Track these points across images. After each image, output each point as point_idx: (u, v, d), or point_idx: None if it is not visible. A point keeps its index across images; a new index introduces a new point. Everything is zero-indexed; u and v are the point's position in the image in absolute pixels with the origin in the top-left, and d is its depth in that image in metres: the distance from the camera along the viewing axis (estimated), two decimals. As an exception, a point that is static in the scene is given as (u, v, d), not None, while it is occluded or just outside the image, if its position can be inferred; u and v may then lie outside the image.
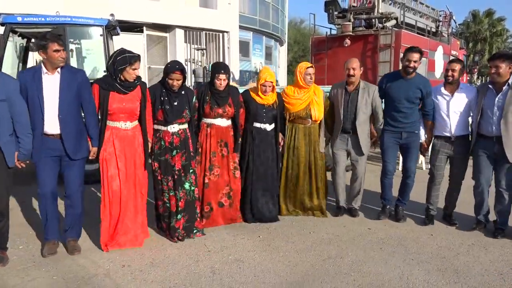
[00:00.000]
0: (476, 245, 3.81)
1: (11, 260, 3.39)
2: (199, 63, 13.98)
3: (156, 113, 3.69)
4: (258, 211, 4.28)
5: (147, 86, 3.73)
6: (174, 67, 3.66)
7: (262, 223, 4.28)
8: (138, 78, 3.60)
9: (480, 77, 25.01)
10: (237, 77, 14.93)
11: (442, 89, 4.23)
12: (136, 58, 3.48)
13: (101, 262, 3.39)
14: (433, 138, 4.33)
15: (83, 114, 3.50)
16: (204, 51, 14.26)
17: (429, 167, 4.45)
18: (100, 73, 5.93)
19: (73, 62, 6.28)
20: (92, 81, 3.57)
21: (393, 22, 9.62)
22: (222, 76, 3.93)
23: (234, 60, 15.76)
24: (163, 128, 3.75)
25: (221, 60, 15.48)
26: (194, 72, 11.70)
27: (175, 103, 3.72)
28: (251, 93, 4.25)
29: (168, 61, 15.06)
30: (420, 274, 3.24)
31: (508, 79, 3.81)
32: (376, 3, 9.57)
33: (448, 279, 3.16)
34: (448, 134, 4.19)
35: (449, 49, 11.20)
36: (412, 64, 4.17)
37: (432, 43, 10.39)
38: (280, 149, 4.40)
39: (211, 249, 3.69)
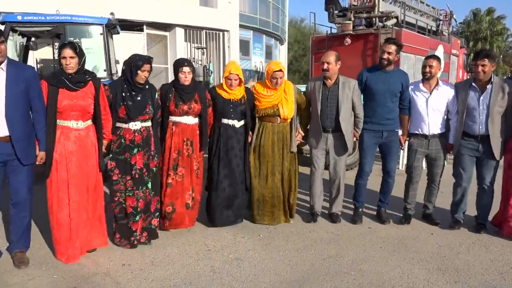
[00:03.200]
0: (476, 244, 3.81)
1: (11, 259, 3.38)
2: (199, 62, 13.97)
3: (118, 111, 3.50)
4: (223, 213, 4.10)
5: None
6: (144, 58, 3.54)
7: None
8: (90, 73, 3.42)
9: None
10: (237, 76, 14.91)
11: (421, 85, 4.15)
12: (65, 45, 3.25)
13: (101, 261, 3.39)
14: (409, 136, 4.27)
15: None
16: (205, 50, 14.24)
17: (405, 166, 4.40)
18: (101, 72, 5.93)
19: (73, 61, 6.26)
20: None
21: (394, 21, 9.59)
22: (186, 69, 3.79)
23: (234, 59, 15.75)
24: (124, 125, 3.55)
25: (221, 59, 15.49)
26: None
27: (138, 98, 3.54)
28: (217, 89, 4.09)
29: (168, 60, 15.02)
30: (420, 273, 3.24)
31: (491, 77, 3.82)
32: (376, 2, 9.53)
33: (448, 278, 3.16)
34: (425, 132, 4.13)
35: (450, 48, 11.17)
36: (385, 56, 4.08)
37: (432, 42, 10.36)
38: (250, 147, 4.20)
39: (211, 248, 3.69)
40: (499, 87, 3.80)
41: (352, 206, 4.53)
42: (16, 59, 6.42)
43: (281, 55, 22.70)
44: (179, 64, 3.85)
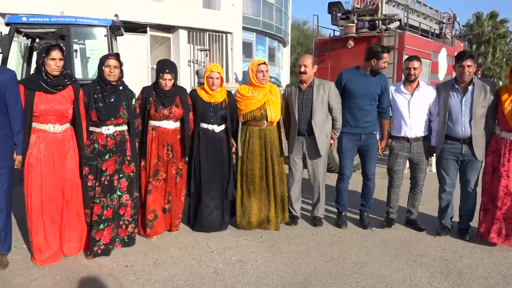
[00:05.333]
0: (479, 247, 3.79)
1: (14, 259, 3.40)
2: (203, 64, 14.00)
3: (90, 114, 3.41)
4: (205, 219, 4.02)
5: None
6: (108, 55, 3.50)
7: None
8: (70, 77, 3.37)
9: (483, 79, 24.88)
10: (240, 78, 14.93)
11: (402, 87, 4.10)
12: (54, 47, 3.21)
13: (104, 262, 3.40)
14: (391, 140, 4.20)
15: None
16: (208, 52, 14.27)
17: (388, 169, 4.31)
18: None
19: (77, 63, 6.30)
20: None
21: (397, 24, 9.60)
22: (167, 76, 3.68)
23: (237, 61, 15.78)
24: (97, 129, 3.45)
25: (224, 62, 15.50)
26: (197, 72, 11.70)
27: (111, 100, 3.44)
28: (198, 91, 4.01)
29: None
30: (423, 277, 3.23)
31: (472, 78, 3.80)
32: (379, 5, 9.55)
33: (451, 282, 3.16)
34: (407, 135, 4.08)
35: (453, 51, 11.15)
36: (384, 65, 4.04)
37: (435, 45, 10.36)
38: (233, 156, 4.11)
39: (214, 249, 3.70)
40: (481, 87, 3.77)
41: (356, 211, 4.52)
42: (21, 60, 6.47)
43: (284, 57, 22.71)
44: (160, 69, 3.72)
